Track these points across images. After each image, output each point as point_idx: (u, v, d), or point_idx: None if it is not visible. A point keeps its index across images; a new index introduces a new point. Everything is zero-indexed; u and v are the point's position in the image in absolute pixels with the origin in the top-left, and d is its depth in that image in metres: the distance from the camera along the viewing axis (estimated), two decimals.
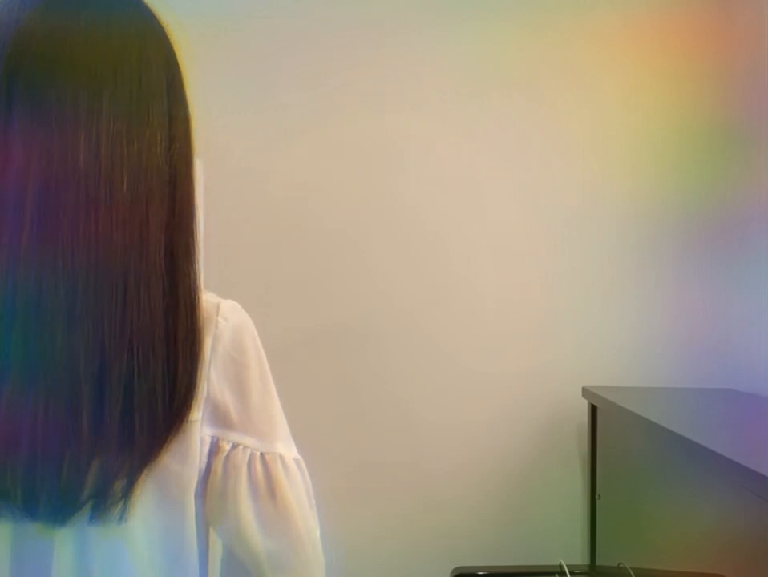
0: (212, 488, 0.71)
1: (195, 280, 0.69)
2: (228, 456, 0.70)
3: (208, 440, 0.70)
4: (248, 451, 0.71)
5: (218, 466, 0.70)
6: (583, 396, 1.73)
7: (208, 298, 0.71)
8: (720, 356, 1.78)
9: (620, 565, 1.46)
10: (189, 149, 0.70)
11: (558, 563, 1.66)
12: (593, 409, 1.70)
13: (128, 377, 0.62)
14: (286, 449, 0.74)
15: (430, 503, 1.81)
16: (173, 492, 0.68)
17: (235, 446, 0.70)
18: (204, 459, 0.70)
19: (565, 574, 1.63)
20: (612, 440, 1.63)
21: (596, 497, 1.69)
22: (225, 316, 0.71)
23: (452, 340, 1.82)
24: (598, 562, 1.69)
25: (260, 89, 1.79)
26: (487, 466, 1.82)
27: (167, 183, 0.66)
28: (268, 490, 0.71)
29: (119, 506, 0.64)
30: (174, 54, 0.69)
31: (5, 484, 0.61)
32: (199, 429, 0.68)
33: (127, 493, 0.64)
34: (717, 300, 1.80)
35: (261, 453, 0.71)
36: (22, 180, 0.60)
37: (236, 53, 1.77)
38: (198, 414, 0.68)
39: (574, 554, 1.79)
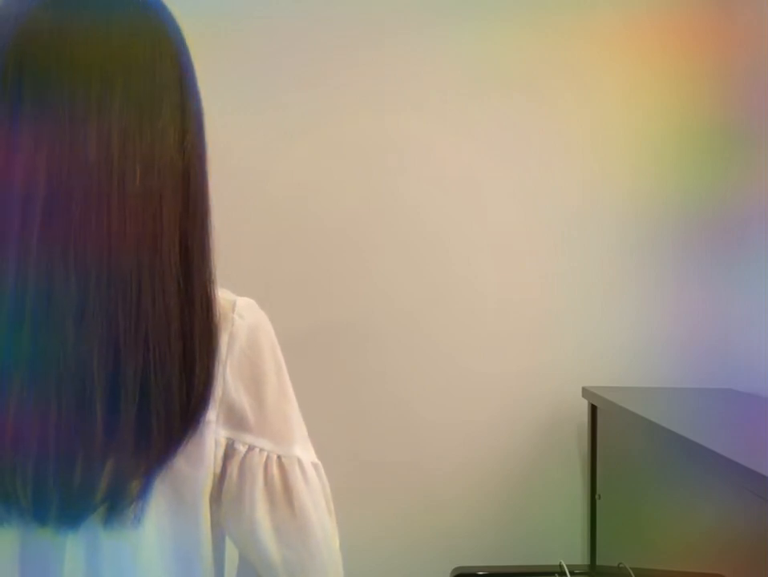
0: (226, 492, 0.69)
1: (210, 275, 0.67)
2: (243, 459, 0.68)
3: (222, 442, 0.68)
4: (265, 454, 0.69)
5: (233, 469, 0.68)
6: (583, 396, 1.73)
7: (223, 295, 0.70)
8: (720, 356, 1.78)
9: (620, 565, 1.46)
10: (202, 143, 0.68)
11: (558, 563, 1.66)
12: (593, 409, 1.70)
13: (143, 374, 0.60)
14: (304, 452, 0.72)
15: (430, 503, 1.81)
16: (186, 496, 0.66)
17: (251, 449, 0.68)
18: (219, 462, 0.68)
19: (565, 574, 1.63)
20: (612, 440, 1.63)
21: (596, 497, 1.69)
22: (241, 314, 0.70)
23: (452, 340, 1.82)
24: (598, 562, 1.69)
25: (260, 89, 1.79)
26: (487, 466, 1.82)
27: (180, 177, 0.65)
28: (285, 495, 0.69)
29: (133, 509, 0.62)
30: (186, 48, 0.68)
31: (14, 487, 0.59)
32: (213, 431, 0.67)
33: (142, 495, 0.62)
34: (717, 300, 1.80)
35: (278, 457, 0.69)
36: (32, 175, 0.59)
37: (236, 53, 1.77)
38: (212, 415, 0.66)
39: (574, 554, 1.79)
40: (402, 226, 1.81)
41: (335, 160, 1.80)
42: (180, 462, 0.64)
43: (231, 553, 0.75)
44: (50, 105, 0.60)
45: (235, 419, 0.68)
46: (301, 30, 1.80)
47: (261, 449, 0.69)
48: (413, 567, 1.79)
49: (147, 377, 0.60)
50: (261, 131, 1.78)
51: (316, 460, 0.73)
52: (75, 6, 0.63)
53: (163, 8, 0.68)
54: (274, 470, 0.69)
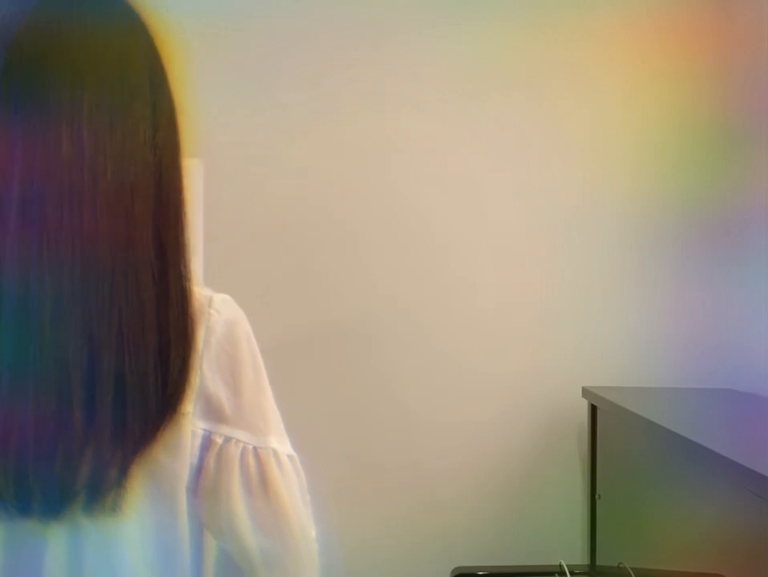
0: (204, 483, 0.70)
1: (185, 269, 0.69)
2: (220, 450, 0.70)
3: (200, 433, 0.69)
4: (241, 445, 0.71)
5: (210, 460, 0.70)
6: (583, 396, 1.73)
7: (200, 291, 0.71)
8: (720, 356, 1.78)
9: (620, 565, 1.46)
10: (175, 140, 0.70)
11: (558, 563, 1.66)
12: (593, 409, 1.70)
13: (119, 364, 0.62)
14: (280, 444, 0.73)
15: (430, 503, 1.81)
16: (164, 486, 0.68)
17: (227, 440, 0.70)
18: (197, 453, 0.69)
19: (565, 574, 1.63)
20: (612, 440, 1.63)
21: (596, 497, 1.69)
22: (217, 309, 0.71)
23: (452, 341, 1.82)
24: (598, 562, 1.69)
25: (260, 89, 1.79)
26: (487, 466, 1.82)
27: (152, 173, 0.66)
28: (261, 484, 0.71)
29: (112, 497, 0.63)
30: (156, 48, 0.70)
31: None
32: (190, 423, 0.68)
33: (120, 482, 0.64)
34: (717, 300, 1.80)
35: (254, 448, 0.71)
36: (5, 173, 0.60)
37: (236, 53, 1.77)
38: (189, 407, 0.68)
39: (574, 554, 1.79)
40: (401, 226, 1.81)
41: (335, 160, 1.80)
42: (159, 453, 0.66)
43: (208, 542, 0.76)
44: (25, 108, 0.62)
45: (212, 411, 0.70)
46: (301, 30, 1.80)
47: (238, 441, 0.71)
48: (413, 567, 1.79)
49: (123, 367, 0.62)
50: (261, 131, 1.78)
51: (292, 452, 0.75)
52: (55, 15, 0.64)
53: (135, 13, 0.69)
54: (250, 460, 0.71)
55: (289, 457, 0.74)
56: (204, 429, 0.70)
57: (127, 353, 0.62)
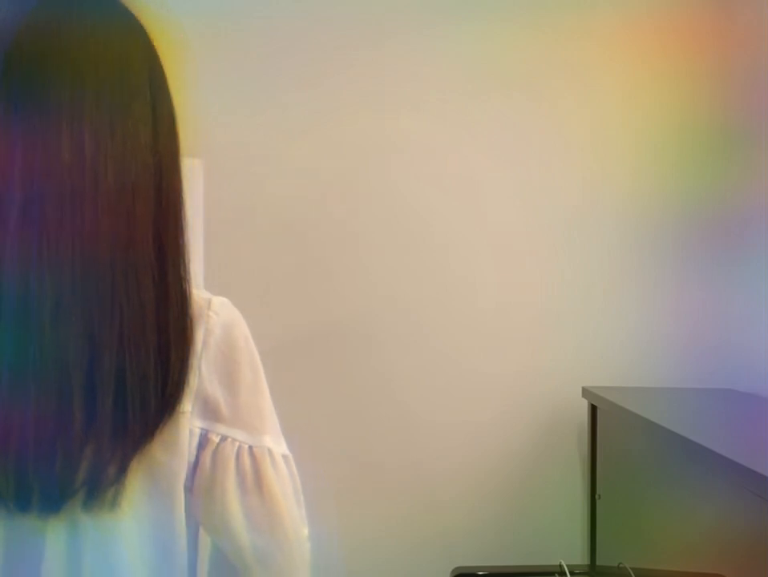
0: (200, 482, 0.71)
1: (185, 271, 0.69)
2: (216, 448, 0.71)
3: (197, 432, 0.70)
4: (237, 444, 0.72)
5: (206, 458, 0.71)
6: (583, 396, 1.73)
7: (199, 294, 0.72)
8: (720, 356, 1.78)
9: (620, 565, 1.46)
10: (175, 143, 0.71)
11: (558, 563, 1.66)
12: (593, 409, 1.70)
13: (119, 365, 0.62)
14: (275, 444, 0.74)
15: (430, 503, 1.81)
16: (162, 484, 0.69)
17: (224, 439, 0.71)
18: (194, 452, 0.71)
19: (565, 574, 1.63)
20: (612, 440, 1.63)
21: (596, 497, 1.69)
22: (216, 311, 0.72)
23: (452, 341, 1.82)
24: (598, 562, 1.69)
25: (260, 89, 1.79)
26: (487, 466, 1.82)
27: (152, 175, 0.67)
28: (256, 483, 0.72)
29: (111, 493, 0.64)
30: (155, 52, 0.70)
31: None
32: (188, 421, 0.69)
33: (119, 478, 0.64)
34: (717, 300, 1.80)
35: (250, 447, 0.72)
36: (6, 173, 0.61)
37: (236, 53, 1.77)
38: (188, 406, 0.69)
39: (574, 554, 1.79)
40: (401, 226, 1.81)
41: (335, 160, 1.80)
42: (157, 451, 0.67)
43: (204, 540, 0.77)
44: (24, 108, 0.62)
45: (209, 411, 0.71)
46: (301, 30, 1.80)
47: (234, 440, 0.72)
48: (413, 567, 1.79)
49: (123, 367, 0.63)
50: (261, 131, 1.78)
51: (287, 452, 0.76)
52: (55, 17, 0.65)
53: (134, 17, 0.70)
54: (246, 459, 0.72)
55: (284, 457, 0.75)
56: (201, 428, 0.71)
57: (128, 353, 0.63)
